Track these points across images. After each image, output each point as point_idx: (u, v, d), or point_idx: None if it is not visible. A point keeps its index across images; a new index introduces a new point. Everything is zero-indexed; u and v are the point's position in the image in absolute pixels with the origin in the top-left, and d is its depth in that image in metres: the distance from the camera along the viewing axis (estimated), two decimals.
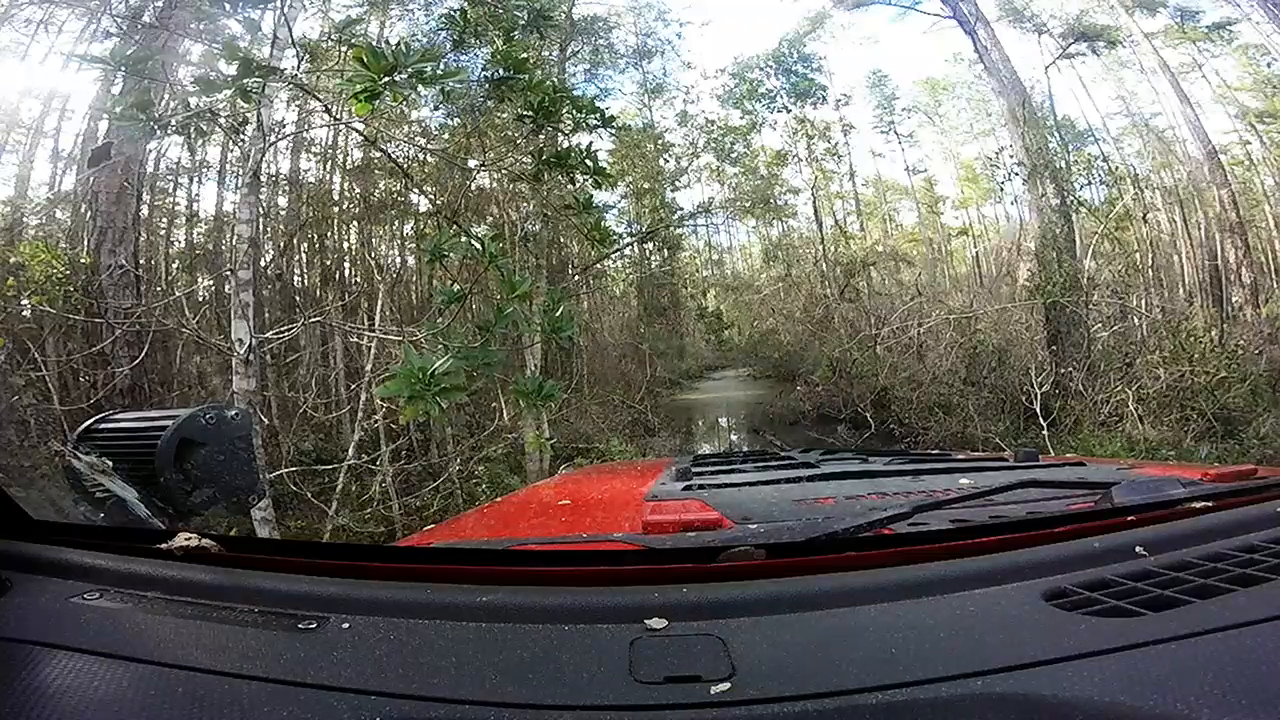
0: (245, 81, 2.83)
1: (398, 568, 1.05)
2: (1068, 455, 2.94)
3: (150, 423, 1.24)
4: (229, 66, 2.80)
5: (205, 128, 3.49)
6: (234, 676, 0.75)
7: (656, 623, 0.84)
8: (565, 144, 4.46)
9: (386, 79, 2.65)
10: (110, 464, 1.19)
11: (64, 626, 0.86)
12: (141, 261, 9.93)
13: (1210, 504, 1.19)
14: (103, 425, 1.28)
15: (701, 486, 1.81)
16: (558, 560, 1.11)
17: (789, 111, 17.61)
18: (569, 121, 4.16)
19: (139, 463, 1.19)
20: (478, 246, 3.49)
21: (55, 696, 0.73)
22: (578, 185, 4.59)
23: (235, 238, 4.97)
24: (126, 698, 0.73)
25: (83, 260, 9.30)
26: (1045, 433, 9.97)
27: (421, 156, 12.45)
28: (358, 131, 10.42)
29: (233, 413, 1.27)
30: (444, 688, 0.74)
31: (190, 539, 1.04)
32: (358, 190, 14.08)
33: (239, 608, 0.91)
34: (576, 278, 15.19)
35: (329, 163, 13.97)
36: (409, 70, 2.65)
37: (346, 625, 0.85)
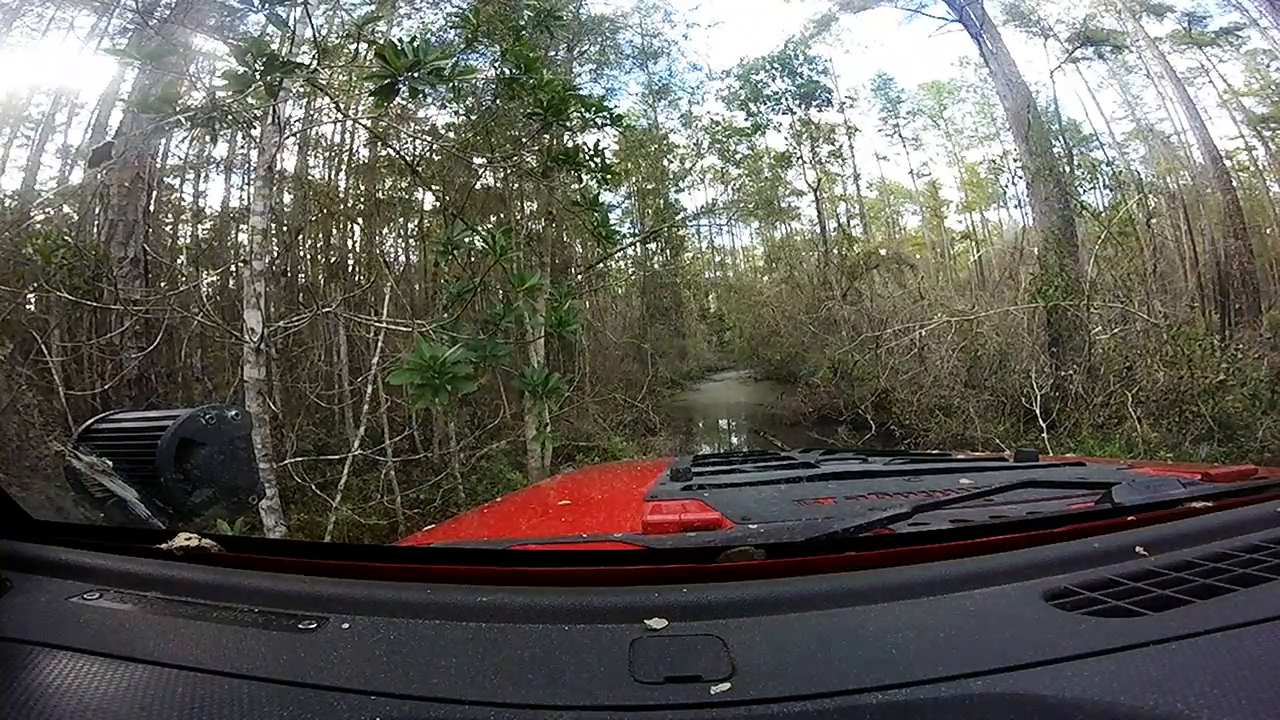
0: (270, 77, 2.85)
1: (398, 568, 1.05)
2: (1067, 455, 2.93)
3: (150, 423, 1.24)
4: (253, 61, 2.80)
5: (224, 122, 3.50)
6: (234, 676, 0.75)
7: (656, 623, 0.84)
8: (572, 142, 4.49)
9: (406, 75, 2.67)
10: (110, 464, 1.19)
11: (64, 626, 0.86)
12: (150, 255, 9.95)
13: (1210, 504, 1.19)
14: (103, 425, 1.28)
15: (701, 486, 1.81)
16: (558, 560, 1.10)
17: (793, 114, 17.62)
18: (577, 120, 4.18)
19: (139, 463, 1.19)
20: (488, 241, 3.51)
21: (55, 696, 0.73)
22: (583, 183, 4.61)
23: (250, 230, 4.99)
24: (126, 698, 0.73)
25: (93, 253, 9.33)
26: (1045, 435, 9.97)
27: (428, 154, 12.48)
28: (366, 128, 10.45)
29: (233, 413, 1.27)
30: (444, 688, 0.74)
31: (190, 539, 1.04)
32: (364, 187, 14.12)
33: (239, 608, 0.90)
34: (580, 277, 15.19)
35: (336, 160, 14.02)
36: (428, 67, 2.67)
37: (346, 625, 0.85)
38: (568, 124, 3.96)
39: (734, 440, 15.82)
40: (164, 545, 1.04)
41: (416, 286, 13.81)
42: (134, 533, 1.15)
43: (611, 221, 5.36)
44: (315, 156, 13.76)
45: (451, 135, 12.44)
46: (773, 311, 17.55)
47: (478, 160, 9.24)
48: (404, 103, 11.50)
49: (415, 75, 2.68)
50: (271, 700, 0.72)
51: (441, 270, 11.64)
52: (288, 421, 8.37)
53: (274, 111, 4.82)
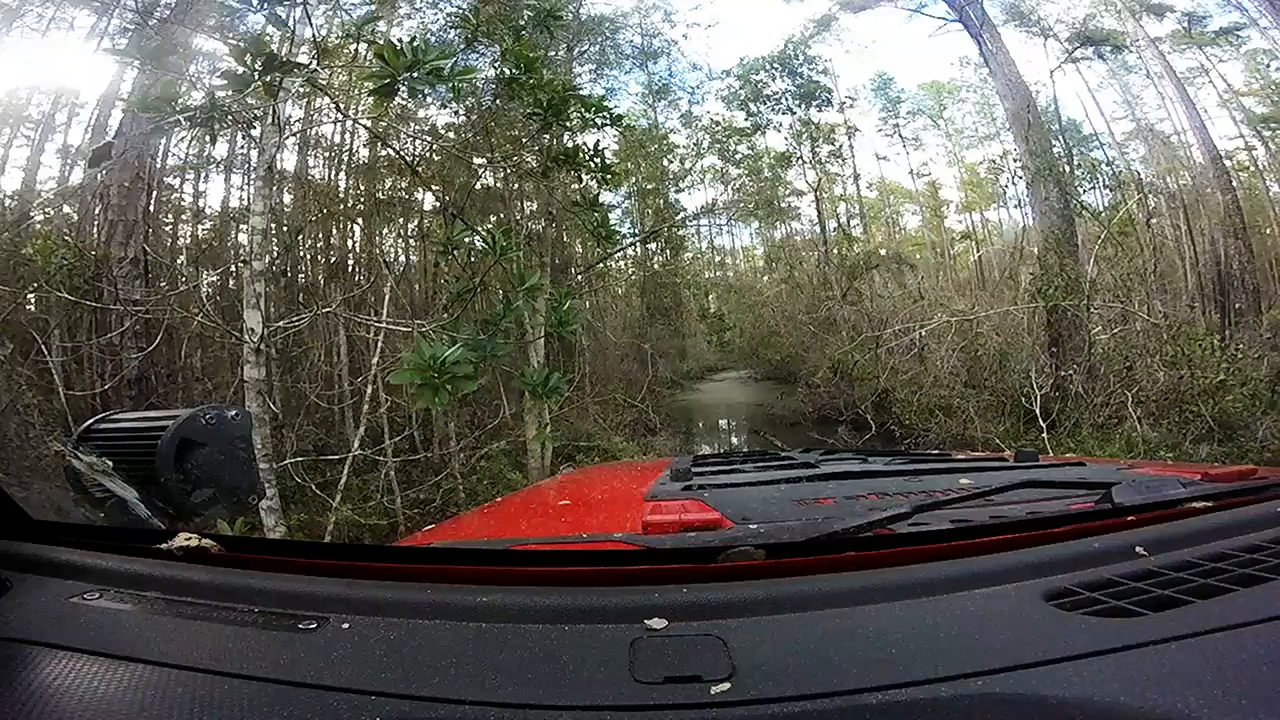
0: (269, 77, 2.85)
1: (398, 568, 1.05)
2: (1068, 456, 2.93)
3: (150, 423, 1.24)
4: (253, 61, 2.81)
5: (222, 122, 3.50)
6: (234, 676, 0.75)
7: (656, 623, 0.84)
8: (572, 142, 4.49)
9: (405, 75, 2.67)
10: (110, 464, 1.19)
11: (64, 626, 0.86)
12: (150, 255, 9.95)
13: (1210, 504, 1.19)
14: (103, 425, 1.28)
15: (701, 486, 1.81)
16: (558, 560, 1.10)
17: (793, 114, 17.61)
18: (577, 120, 4.18)
19: (139, 463, 1.19)
20: (488, 241, 3.52)
21: (55, 696, 0.73)
22: (583, 184, 4.61)
23: (250, 230, 5.00)
24: (126, 698, 0.73)
25: (92, 253, 9.33)
26: (1045, 435, 9.97)
27: (428, 154, 12.48)
28: (366, 128, 10.46)
29: (233, 413, 1.27)
30: (444, 688, 0.74)
31: (190, 539, 1.04)
32: (364, 187, 14.11)
33: (239, 608, 0.90)
34: (580, 277, 15.18)
35: (336, 159, 14.01)
36: (427, 67, 2.67)
37: (346, 625, 0.85)
38: (568, 124, 3.96)
39: (734, 440, 15.82)
40: (164, 545, 1.04)
41: (416, 286, 13.80)
42: (134, 533, 1.15)
43: (611, 221, 5.36)
44: (315, 156, 13.76)
45: (451, 135, 12.44)
46: (773, 311, 17.55)
47: (478, 160, 9.24)
48: (404, 103, 11.51)
49: (414, 75, 2.69)
50: (271, 700, 0.72)
51: (441, 270, 11.65)
52: (288, 421, 8.37)
53: (274, 111, 4.83)
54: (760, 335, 18.00)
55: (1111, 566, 0.96)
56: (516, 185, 13.12)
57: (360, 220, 14.07)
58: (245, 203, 11.90)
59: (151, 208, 10.71)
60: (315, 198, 13.30)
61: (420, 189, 13.42)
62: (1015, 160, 15.39)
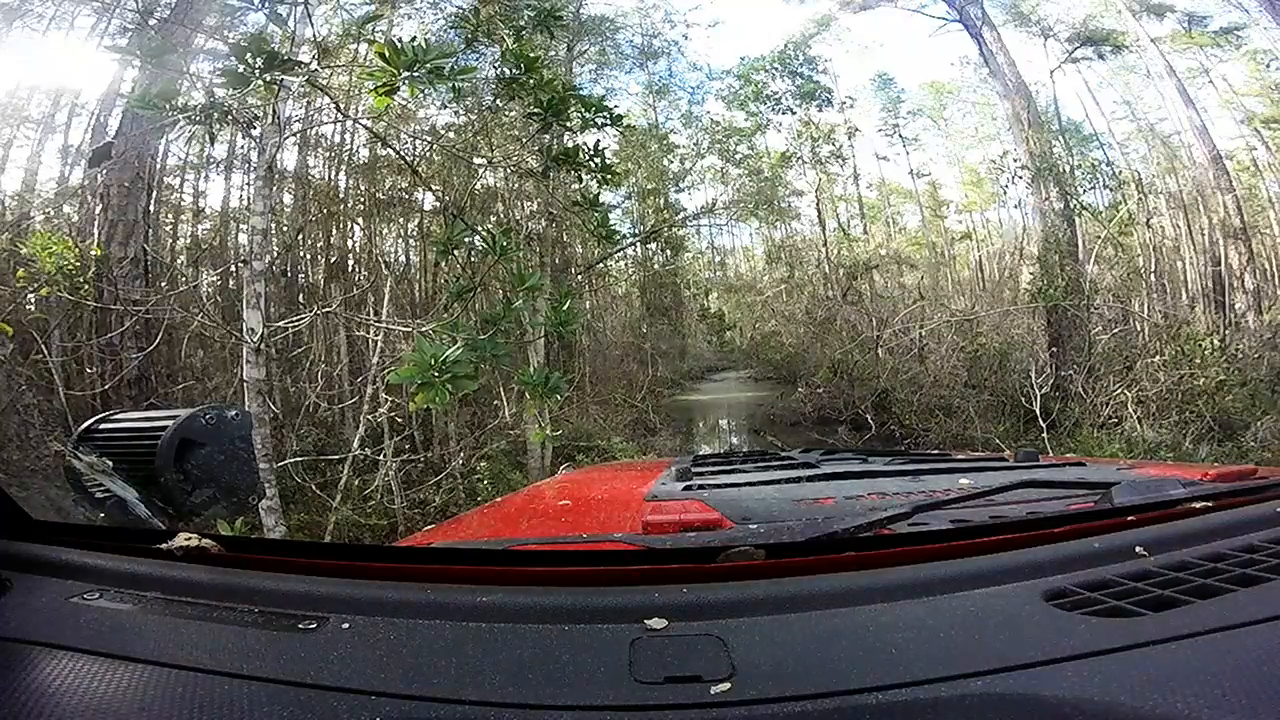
0: (269, 75, 2.85)
1: (398, 568, 1.05)
2: (1068, 456, 2.93)
3: (150, 423, 1.24)
4: (253, 60, 2.80)
5: (222, 121, 3.50)
6: (234, 676, 0.75)
7: (656, 623, 0.83)
8: (572, 142, 4.49)
9: (406, 74, 2.67)
10: (110, 464, 1.19)
11: (64, 626, 0.86)
12: (150, 255, 9.96)
13: (1210, 504, 1.19)
14: (103, 425, 1.28)
15: (701, 486, 1.80)
16: (558, 560, 1.10)
17: (794, 114, 17.60)
18: (576, 120, 4.18)
19: (139, 463, 1.19)
20: (488, 241, 3.52)
21: (55, 696, 0.73)
22: (583, 183, 4.60)
23: (250, 230, 5.01)
24: (126, 698, 0.73)
25: (94, 252, 9.33)
26: (1045, 435, 9.98)
27: (428, 154, 12.49)
28: (366, 128, 10.45)
29: (233, 413, 1.28)
30: (444, 688, 0.74)
31: (190, 539, 1.03)
32: (364, 187, 14.12)
33: (239, 608, 0.90)
34: (580, 277, 15.18)
35: (336, 159, 14.01)
36: (427, 66, 2.68)
37: (346, 625, 0.85)
38: (568, 124, 3.96)
39: (734, 440, 15.80)
40: (164, 545, 1.04)
41: (416, 286, 13.82)
42: (134, 533, 1.15)
43: (611, 221, 5.35)
44: (315, 156, 13.76)
45: (451, 135, 12.44)
46: (773, 311, 17.55)
47: (478, 160, 9.24)
48: (404, 102, 11.50)
49: (415, 75, 2.69)
50: (271, 700, 0.72)
51: (441, 270, 11.66)
52: (288, 421, 8.37)
53: (274, 111, 4.83)
54: (760, 335, 18.00)
55: (1111, 566, 0.96)
56: (516, 185, 13.13)
57: (360, 220, 14.07)
58: (245, 203, 11.92)
59: (151, 208, 10.72)
60: (315, 198, 13.30)
61: (420, 189, 13.43)
62: (1015, 160, 15.37)
